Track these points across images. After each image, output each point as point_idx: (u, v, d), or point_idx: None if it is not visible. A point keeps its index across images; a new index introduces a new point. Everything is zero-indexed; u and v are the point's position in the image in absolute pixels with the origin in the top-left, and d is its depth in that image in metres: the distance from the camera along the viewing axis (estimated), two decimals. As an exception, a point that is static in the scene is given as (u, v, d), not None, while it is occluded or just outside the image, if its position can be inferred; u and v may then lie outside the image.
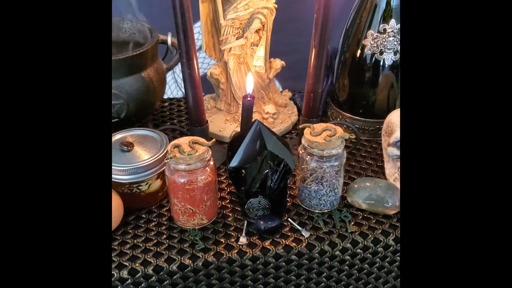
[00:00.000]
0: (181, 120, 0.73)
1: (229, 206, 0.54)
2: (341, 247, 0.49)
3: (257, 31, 0.59)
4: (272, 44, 0.64)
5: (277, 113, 0.70)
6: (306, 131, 0.51)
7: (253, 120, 0.62)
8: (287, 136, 0.69)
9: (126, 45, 0.63)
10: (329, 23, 0.52)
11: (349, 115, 0.67)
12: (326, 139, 0.48)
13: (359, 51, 0.62)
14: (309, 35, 0.56)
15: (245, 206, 0.51)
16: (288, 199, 0.55)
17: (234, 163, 0.48)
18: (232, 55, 0.62)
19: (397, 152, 0.55)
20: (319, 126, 0.51)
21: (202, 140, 0.49)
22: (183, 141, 0.49)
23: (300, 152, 0.52)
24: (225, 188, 0.57)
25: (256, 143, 0.48)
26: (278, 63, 0.67)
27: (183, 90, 1.18)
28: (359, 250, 0.49)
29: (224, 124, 0.68)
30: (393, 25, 0.58)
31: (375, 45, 0.59)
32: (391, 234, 0.50)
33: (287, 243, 0.48)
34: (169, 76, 1.18)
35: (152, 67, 0.59)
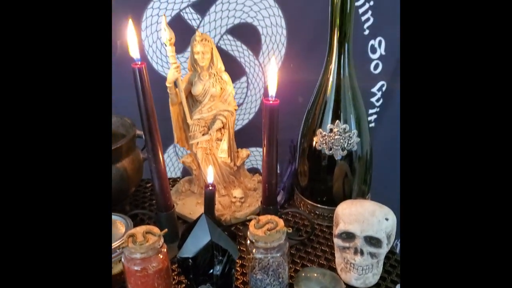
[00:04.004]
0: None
1: (184, 291, 0.58)
2: (278, 338, 0.51)
3: (219, 129, 0.68)
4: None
5: (245, 197, 0.75)
6: (251, 224, 0.56)
7: (215, 205, 0.68)
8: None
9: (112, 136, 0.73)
10: (275, 127, 0.59)
11: (310, 201, 0.72)
12: (266, 233, 0.53)
13: (314, 141, 0.68)
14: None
15: (196, 292, 0.55)
16: (241, 286, 0.59)
17: (181, 253, 0.54)
18: (200, 148, 0.69)
19: (342, 243, 0.58)
20: (264, 218, 0.56)
21: (155, 230, 0.54)
22: (139, 230, 0.54)
23: (248, 243, 0.56)
24: (184, 272, 0.61)
25: (202, 235, 0.54)
26: (244, 153, 0.74)
27: (180, 165, 1.27)
28: None
29: (195, 207, 0.74)
30: (340, 125, 0.64)
31: (324, 142, 0.65)
32: (329, 327, 0.52)
33: (227, 332, 0.51)
34: (170, 149, 1.29)
35: (128, 158, 0.68)
